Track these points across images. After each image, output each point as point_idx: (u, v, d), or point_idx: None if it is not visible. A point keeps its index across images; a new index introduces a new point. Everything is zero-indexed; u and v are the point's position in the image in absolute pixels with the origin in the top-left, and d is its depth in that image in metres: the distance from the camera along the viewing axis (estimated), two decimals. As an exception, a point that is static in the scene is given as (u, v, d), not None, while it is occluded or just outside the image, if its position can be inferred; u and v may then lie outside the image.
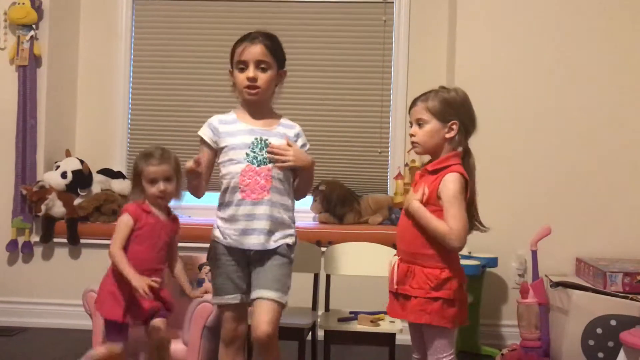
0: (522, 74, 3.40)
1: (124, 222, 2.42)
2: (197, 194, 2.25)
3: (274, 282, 2.12)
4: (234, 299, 2.18)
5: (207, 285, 2.71)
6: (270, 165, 2.14)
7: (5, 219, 3.63)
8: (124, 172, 3.89)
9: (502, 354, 3.09)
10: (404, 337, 2.75)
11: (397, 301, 2.11)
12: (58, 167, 3.65)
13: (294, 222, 2.23)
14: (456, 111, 2.09)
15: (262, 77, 2.15)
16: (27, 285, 3.65)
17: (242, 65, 2.16)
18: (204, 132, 2.22)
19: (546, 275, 3.13)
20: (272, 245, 2.15)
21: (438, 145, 2.10)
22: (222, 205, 2.20)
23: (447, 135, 2.09)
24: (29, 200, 3.57)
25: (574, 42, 3.38)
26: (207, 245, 3.44)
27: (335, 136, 3.87)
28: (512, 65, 3.41)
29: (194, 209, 3.90)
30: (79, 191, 3.63)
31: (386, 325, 2.60)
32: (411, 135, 2.13)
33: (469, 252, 3.15)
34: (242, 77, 2.16)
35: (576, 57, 3.38)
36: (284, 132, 2.21)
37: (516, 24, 3.42)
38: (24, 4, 3.58)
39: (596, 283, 2.95)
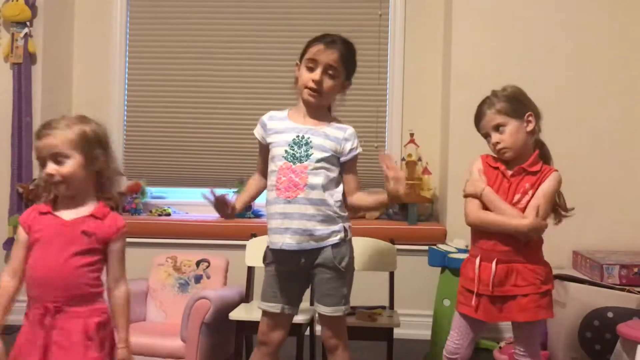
0: (519, 67, 3.39)
1: (16, 237, 1.75)
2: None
3: (325, 297, 2.11)
4: (272, 307, 2.13)
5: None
6: (306, 163, 2.07)
7: (2, 217, 3.62)
8: (121, 170, 3.87)
9: (500, 347, 3.10)
10: (401, 332, 2.76)
11: (492, 305, 2.06)
12: (54, 164, 3.64)
13: (340, 216, 2.10)
14: (525, 103, 2.11)
15: (327, 83, 2.09)
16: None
17: (312, 65, 2.09)
18: (256, 131, 2.19)
19: (543, 268, 3.14)
20: (311, 246, 2.07)
21: (525, 141, 2.10)
22: (267, 203, 2.14)
23: (529, 129, 2.09)
24: (25, 198, 3.56)
25: (572, 34, 3.38)
26: (203, 241, 3.49)
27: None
28: (509, 58, 3.40)
29: (189, 205, 3.90)
30: (75, 189, 3.63)
31: (384, 320, 2.60)
32: (496, 143, 2.09)
33: (466, 246, 3.15)
34: (307, 77, 2.09)
35: (573, 48, 3.38)
36: (331, 133, 2.11)
37: (513, 16, 3.41)
38: (17, 1, 3.56)
39: (593, 275, 2.95)
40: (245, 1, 3.90)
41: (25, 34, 3.60)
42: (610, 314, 2.73)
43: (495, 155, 2.16)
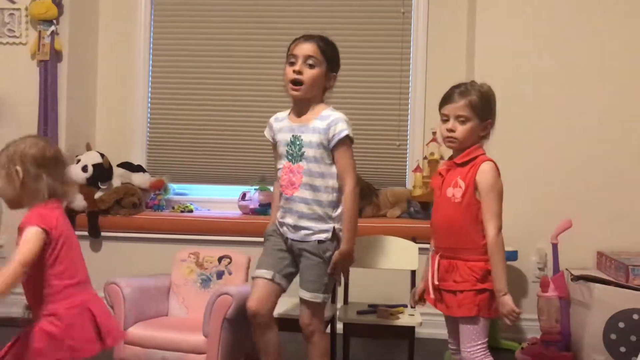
0: (543, 65, 3.36)
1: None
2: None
3: (308, 282, 2.22)
4: (266, 273, 2.25)
5: None
6: (301, 163, 2.21)
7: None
8: (144, 166, 3.92)
9: (522, 348, 3.07)
10: (423, 330, 2.75)
11: (440, 296, 2.10)
12: (79, 160, 3.68)
13: (331, 218, 2.23)
14: (492, 108, 2.09)
15: (308, 73, 2.18)
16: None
17: (293, 60, 2.21)
18: (266, 132, 2.38)
19: (567, 269, 3.10)
20: (300, 237, 2.23)
21: (473, 142, 2.08)
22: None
23: (482, 134, 2.08)
24: (50, 193, 3.61)
25: (598, 30, 3.32)
26: (225, 238, 3.51)
27: (353, 129, 3.83)
28: (533, 56, 3.36)
29: (211, 201, 3.93)
30: (99, 185, 3.67)
31: (405, 318, 2.60)
32: (450, 130, 2.07)
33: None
34: (289, 70, 2.21)
35: (600, 46, 3.33)
36: (319, 125, 2.21)
37: (537, 12, 3.37)
38: (44, -1, 3.62)
39: (618, 276, 2.91)
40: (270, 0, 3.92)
41: (52, 31, 3.65)
42: (635, 316, 2.70)
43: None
